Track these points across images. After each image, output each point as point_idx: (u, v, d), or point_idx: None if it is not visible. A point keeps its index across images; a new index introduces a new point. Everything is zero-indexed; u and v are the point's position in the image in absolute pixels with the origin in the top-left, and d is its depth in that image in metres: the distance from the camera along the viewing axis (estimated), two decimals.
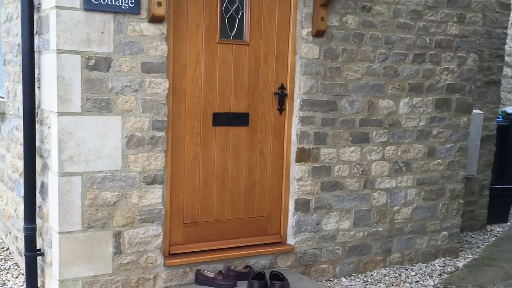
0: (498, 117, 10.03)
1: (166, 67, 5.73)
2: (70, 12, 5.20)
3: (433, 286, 7.00)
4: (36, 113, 5.77)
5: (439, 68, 7.52)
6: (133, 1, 5.48)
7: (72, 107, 5.31)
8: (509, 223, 10.27)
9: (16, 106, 6.65)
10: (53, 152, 5.44)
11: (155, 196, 5.82)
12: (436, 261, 7.90)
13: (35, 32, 5.69)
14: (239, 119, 6.39)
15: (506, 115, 10.43)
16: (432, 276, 7.35)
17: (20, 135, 6.30)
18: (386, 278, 7.18)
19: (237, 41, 6.31)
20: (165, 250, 6.07)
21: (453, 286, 6.93)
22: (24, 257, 5.98)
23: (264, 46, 6.43)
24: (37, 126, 5.79)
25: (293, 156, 6.65)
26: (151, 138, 5.72)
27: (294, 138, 6.62)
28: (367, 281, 7.04)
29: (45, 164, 5.70)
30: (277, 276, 6.09)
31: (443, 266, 7.72)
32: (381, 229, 7.35)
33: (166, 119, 5.79)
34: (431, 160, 7.66)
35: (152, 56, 5.62)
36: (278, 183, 6.72)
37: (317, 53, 6.57)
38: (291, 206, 6.72)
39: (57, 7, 5.16)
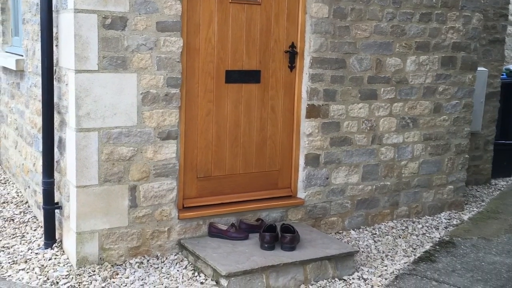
0: (502, 75, 10.08)
1: (180, 26, 5.80)
2: None
3: (439, 238, 7.12)
4: (54, 71, 5.87)
5: (445, 27, 7.58)
6: None
7: (89, 65, 5.41)
8: None
9: (34, 64, 6.72)
10: (70, 109, 5.54)
11: (169, 151, 5.93)
12: (442, 214, 8.01)
13: None
14: (251, 76, 6.47)
15: (510, 72, 10.48)
16: (438, 228, 7.48)
17: (38, 92, 6.41)
18: (394, 230, 7.31)
19: (249, 0, 6.33)
20: (179, 203, 6.18)
21: (459, 238, 7.05)
22: (42, 210, 6.14)
23: (275, 6, 6.48)
24: (55, 83, 5.90)
25: (303, 112, 6.73)
26: (165, 94, 5.82)
27: (304, 94, 6.71)
28: (375, 234, 7.16)
29: (63, 120, 5.82)
30: (287, 229, 6.13)
31: (448, 219, 7.85)
32: (388, 183, 7.47)
33: (180, 77, 5.88)
34: (437, 116, 7.75)
35: (167, 15, 5.70)
36: (288, 138, 6.81)
37: (326, 12, 6.62)
38: (301, 161, 6.82)
39: None
